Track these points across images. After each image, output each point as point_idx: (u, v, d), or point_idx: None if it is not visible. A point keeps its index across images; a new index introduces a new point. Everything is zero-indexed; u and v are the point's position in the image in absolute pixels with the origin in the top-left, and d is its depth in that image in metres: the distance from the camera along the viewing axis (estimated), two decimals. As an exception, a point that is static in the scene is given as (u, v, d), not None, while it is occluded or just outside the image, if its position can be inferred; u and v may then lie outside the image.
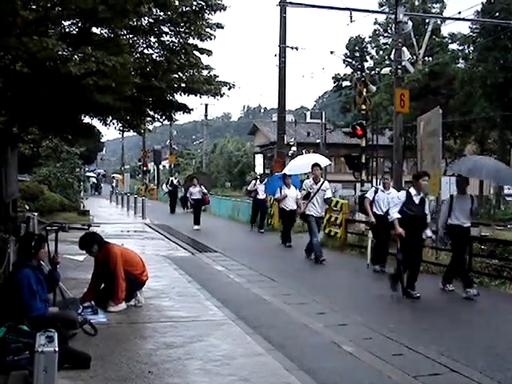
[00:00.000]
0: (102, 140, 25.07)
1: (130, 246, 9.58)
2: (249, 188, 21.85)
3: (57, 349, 4.17)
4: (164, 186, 34.62)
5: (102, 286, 7.76)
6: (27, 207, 14.46)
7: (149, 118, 10.82)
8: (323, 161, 16.61)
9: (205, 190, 21.19)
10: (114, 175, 61.92)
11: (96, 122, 10.72)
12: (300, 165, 17.19)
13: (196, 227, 19.92)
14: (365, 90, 19.87)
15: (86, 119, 10.78)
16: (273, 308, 8.36)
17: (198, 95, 9.62)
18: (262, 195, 20.02)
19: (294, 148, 45.32)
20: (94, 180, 60.13)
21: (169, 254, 13.63)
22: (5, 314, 5.53)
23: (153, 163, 61.45)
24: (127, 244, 10.92)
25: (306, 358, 5.92)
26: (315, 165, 13.70)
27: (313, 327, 7.23)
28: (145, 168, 55.80)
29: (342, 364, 5.88)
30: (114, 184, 53.03)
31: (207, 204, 22.50)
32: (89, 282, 7.82)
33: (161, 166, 65.33)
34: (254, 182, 21.26)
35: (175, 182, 31.12)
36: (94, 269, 7.83)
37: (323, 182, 13.50)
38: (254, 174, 53.17)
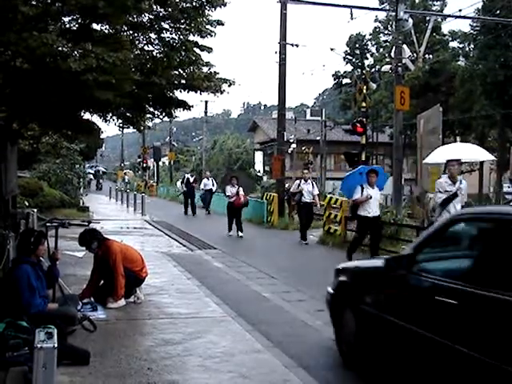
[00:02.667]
0: (101, 136, 24.93)
1: (129, 243, 9.58)
2: (291, 190, 17.90)
3: (56, 345, 4.16)
4: (179, 184, 29.99)
5: (102, 282, 7.77)
6: (27, 203, 14.44)
7: (149, 115, 10.81)
8: (478, 154, 13.63)
9: (242, 192, 18.41)
10: (126, 171, 62.38)
11: (96, 119, 10.74)
12: (444, 154, 12.31)
13: (240, 234, 17.39)
14: (365, 87, 19.86)
15: (86, 115, 10.78)
16: (272, 305, 8.37)
17: (198, 92, 9.60)
18: (308, 197, 16.45)
19: (293, 145, 45.28)
20: (91, 176, 60.33)
21: (168, 250, 13.65)
22: (4, 310, 5.54)
23: (152, 160, 61.46)
24: (127, 240, 10.92)
25: (305, 355, 5.93)
26: (453, 160, 10.42)
27: (312, 324, 7.24)
28: (144, 165, 55.82)
29: (341, 362, 5.88)
30: (126, 180, 53.26)
31: (245, 206, 18.66)
32: (88, 278, 7.83)
33: (160, 163, 65.39)
34: (297, 181, 17.08)
35: (191, 179, 27.47)
36: (93, 265, 7.84)
37: (461, 182, 10.39)
38: (254, 170, 53.26)
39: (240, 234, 17.35)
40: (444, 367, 4.32)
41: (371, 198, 12.12)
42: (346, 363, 5.74)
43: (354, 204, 12.42)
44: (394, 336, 5.09)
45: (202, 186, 27.21)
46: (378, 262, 5.66)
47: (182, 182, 27.88)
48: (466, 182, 10.62)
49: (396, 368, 5.24)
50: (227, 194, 18.33)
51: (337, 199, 16.68)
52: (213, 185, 27.01)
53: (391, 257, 5.79)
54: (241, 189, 18.30)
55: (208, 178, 27.54)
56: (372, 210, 12.21)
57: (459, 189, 10.04)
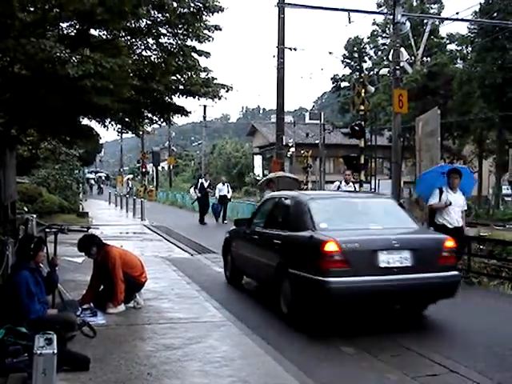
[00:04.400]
0: (100, 142, 24.82)
1: (128, 248, 9.59)
2: None
3: (56, 351, 4.17)
4: (192, 190, 26.05)
5: (101, 287, 7.77)
6: (26, 209, 14.44)
7: (147, 120, 10.83)
8: None
9: None
10: (129, 177, 62.72)
11: (94, 124, 10.75)
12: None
13: None
14: (363, 90, 19.84)
15: (85, 121, 10.80)
16: (272, 309, 8.36)
17: (196, 97, 9.64)
18: None
19: (292, 149, 45.29)
20: (93, 182, 60.63)
21: (168, 255, 13.65)
22: (3, 316, 5.53)
23: (152, 165, 61.49)
24: (126, 246, 10.93)
25: (306, 359, 5.92)
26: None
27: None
28: (144, 170, 55.87)
29: (342, 365, 5.88)
30: (130, 185, 53.41)
31: None
32: (88, 283, 7.82)
33: (160, 168, 65.40)
34: (337, 183, 15.29)
35: (206, 184, 24.55)
36: (92, 271, 7.83)
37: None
38: (253, 174, 53.17)
39: None
40: (257, 267, 8.99)
41: (451, 204, 10.15)
42: (228, 282, 10.50)
43: (431, 210, 10.49)
44: (244, 260, 9.76)
45: (216, 192, 24.88)
46: (235, 226, 10.68)
47: (195, 188, 24.94)
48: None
49: (247, 275, 10.10)
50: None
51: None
52: (228, 191, 24.64)
53: (239, 219, 11.59)
54: None
55: (223, 183, 25.08)
56: (452, 219, 10.20)
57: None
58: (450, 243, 7.50)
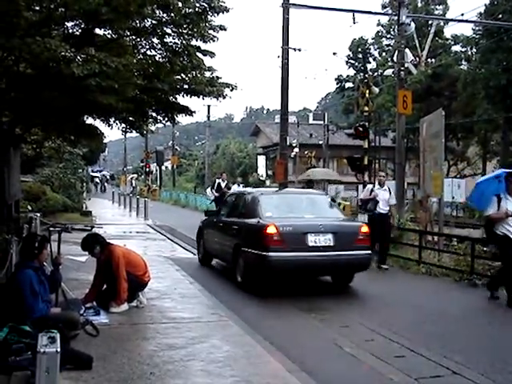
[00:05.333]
0: (104, 141, 24.79)
1: (132, 247, 9.60)
2: (362, 196, 13.76)
3: (59, 349, 4.17)
4: (209, 190, 24.41)
5: (104, 286, 7.77)
6: (30, 208, 14.47)
7: (151, 119, 10.85)
8: None
9: None
10: (133, 176, 62.82)
11: (99, 123, 10.77)
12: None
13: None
14: (367, 91, 19.87)
15: (89, 120, 10.83)
16: (275, 309, 8.36)
17: (201, 97, 9.64)
18: (384, 208, 12.52)
19: (296, 149, 45.28)
20: (98, 180, 60.92)
21: (171, 255, 13.66)
22: (7, 314, 5.54)
23: (155, 164, 61.56)
24: (129, 245, 10.94)
25: (308, 359, 5.92)
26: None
27: (315, 329, 7.23)
28: (147, 169, 55.90)
29: (344, 366, 5.88)
30: (134, 185, 53.35)
31: None
32: (91, 282, 7.83)
33: (163, 167, 65.42)
34: (369, 186, 13.40)
35: (223, 184, 22.77)
36: (96, 270, 7.84)
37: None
38: (257, 174, 53.08)
39: None
40: (221, 248, 11.07)
41: None
42: (200, 263, 12.64)
43: (488, 220, 9.26)
44: (212, 243, 11.87)
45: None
46: (206, 217, 13.12)
47: (211, 188, 23.42)
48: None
49: (214, 256, 12.14)
50: None
51: (339, 203, 16.65)
52: None
53: (209, 211, 14.46)
54: None
55: (238, 184, 23.31)
56: None
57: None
58: (364, 229, 9.68)
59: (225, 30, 8.90)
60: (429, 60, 42.44)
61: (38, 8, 7.39)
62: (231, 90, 9.59)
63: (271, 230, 9.00)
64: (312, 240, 9.11)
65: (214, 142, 71.72)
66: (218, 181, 23.53)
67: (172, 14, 8.24)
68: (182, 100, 10.14)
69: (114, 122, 10.35)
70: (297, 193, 12.61)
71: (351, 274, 10.01)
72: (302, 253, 9.07)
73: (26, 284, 5.79)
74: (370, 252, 9.80)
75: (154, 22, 8.40)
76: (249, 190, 12.40)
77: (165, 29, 8.59)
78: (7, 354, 4.99)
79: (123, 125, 10.78)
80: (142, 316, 7.32)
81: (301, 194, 11.84)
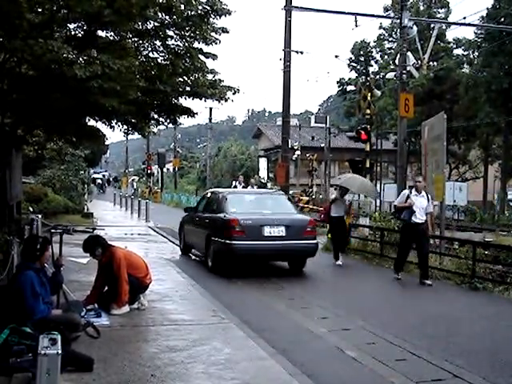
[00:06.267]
0: (106, 143, 24.86)
1: (133, 249, 9.58)
2: (396, 203, 11.89)
3: (60, 351, 4.16)
4: None
5: (106, 288, 7.77)
6: (31, 209, 14.48)
7: (153, 121, 10.85)
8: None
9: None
10: (134, 178, 62.78)
11: (101, 125, 10.78)
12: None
13: (338, 262, 13.27)
14: (369, 94, 19.91)
15: (91, 122, 10.83)
16: (276, 312, 8.35)
17: (203, 99, 9.64)
18: (420, 216, 11.12)
19: (298, 152, 45.26)
20: (100, 181, 61.02)
21: (172, 257, 13.67)
22: (8, 316, 5.53)
23: (157, 166, 61.57)
24: (131, 247, 10.93)
25: (309, 362, 5.91)
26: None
27: (316, 332, 7.23)
28: (149, 171, 55.93)
29: (345, 369, 5.87)
30: (135, 186, 53.29)
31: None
32: (92, 284, 7.82)
33: (165, 169, 65.46)
34: (406, 191, 11.74)
35: (239, 187, 21.74)
36: (97, 272, 7.83)
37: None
38: (258, 177, 53.05)
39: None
40: (197, 239, 13.07)
41: None
42: (182, 253, 14.47)
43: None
44: (190, 235, 13.84)
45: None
46: (185, 212, 15.19)
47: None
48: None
49: (191, 247, 14.05)
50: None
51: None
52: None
53: (188, 207, 16.17)
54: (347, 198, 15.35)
55: (252, 186, 21.78)
56: None
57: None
58: (312, 223, 11.77)
59: (227, 32, 8.91)
60: (431, 63, 42.44)
61: (40, 10, 7.40)
62: (233, 93, 9.60)
63: (234, 223, 11.06)
64: (267, 231, 11.12)
65: (215, 145, 71.76)
66: (234, 183, 25.18)
67: (174, 17, 8.25)
68: (184, 102, 10.14)
69: (116, 123, 10.35)
70: (259, 193, 15.83)
71: (302, 260, 11.90)
72: (259, 241, 11.04)
73: (27, 285, 5.79)
74: (316, 242, 11.75)
75: (156, 24, 8.41)
76: (220, 190, 14.42)
77: (167, 31, 8.60)
78: (8, 355, 4.98)
79: (125, 127, 10.78)
80: (143, 318, 7.31)
81: (262, 194, 14.71)
